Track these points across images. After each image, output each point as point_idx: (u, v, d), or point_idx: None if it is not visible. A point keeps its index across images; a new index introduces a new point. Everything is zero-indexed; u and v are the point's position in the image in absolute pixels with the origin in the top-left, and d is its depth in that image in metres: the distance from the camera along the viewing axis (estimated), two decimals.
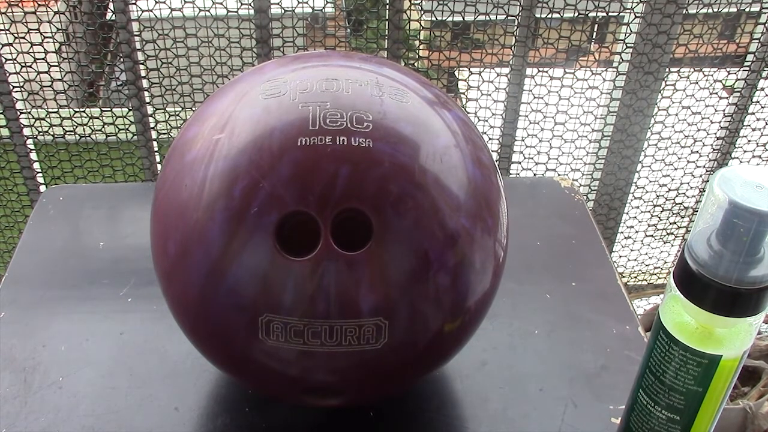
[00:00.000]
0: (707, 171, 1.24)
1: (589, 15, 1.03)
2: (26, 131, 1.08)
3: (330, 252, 0.35)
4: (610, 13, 1.03)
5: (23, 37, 1.00)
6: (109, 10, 1.04)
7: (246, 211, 0.35)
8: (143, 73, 1.04)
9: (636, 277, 1.41)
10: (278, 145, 0.36)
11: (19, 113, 1.05)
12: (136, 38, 1.00)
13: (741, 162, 1.22)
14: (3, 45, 1.00)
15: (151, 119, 1.08)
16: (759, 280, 0.32)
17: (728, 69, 1.14)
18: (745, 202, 0.30)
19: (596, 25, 1.18)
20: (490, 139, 1.13)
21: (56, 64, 1.05)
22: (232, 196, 0.36)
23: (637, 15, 1.03)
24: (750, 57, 1.10)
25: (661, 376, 0.36)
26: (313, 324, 0.36)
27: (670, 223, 1.33)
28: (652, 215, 1.30)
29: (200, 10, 1.00)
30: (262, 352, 0.38)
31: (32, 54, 1.02)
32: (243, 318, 0.37)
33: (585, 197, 1.07)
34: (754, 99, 1.14)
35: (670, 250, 1.38)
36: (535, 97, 1.08)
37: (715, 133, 1.18)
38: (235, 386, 0.49)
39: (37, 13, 1.00)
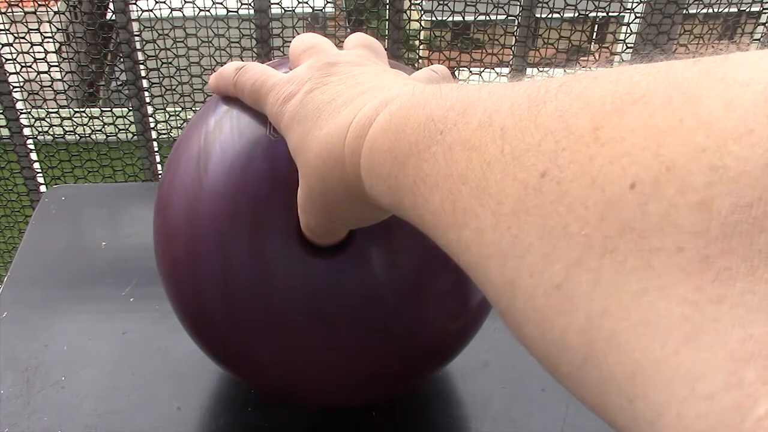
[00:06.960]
0: None
1: (590, 15, 1.03)
2: (26, 131, 1.08)
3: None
4: (610, 14, 1.03)
5: (23, 37, 1.00)
6: (109, 10, 1.04)
7: (254, 204, 0.35)
8: (143, 73, 1.04)
9: None
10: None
11: (19, 113, 1.05)
12: (136, 38, 1.00)
13: None
14: (3, 45, 1.00)
15: (151, 119, 1.08)
16: None
17: None
18: None
19: (596, 26, 1.18)
20: None
21: (56, 64, 1.05)
22: (239, 190, 0.35)
23: (637, 15, 1.03)
24: None
25: None
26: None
27: None
28: None
29: (200, 10, 1.00)
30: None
31: (32, 54, 1.02)
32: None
33: None
34: None
35: None
36: None
37: None
38: (237, 386, 0.49)
39: (37, 13, 1.00)
